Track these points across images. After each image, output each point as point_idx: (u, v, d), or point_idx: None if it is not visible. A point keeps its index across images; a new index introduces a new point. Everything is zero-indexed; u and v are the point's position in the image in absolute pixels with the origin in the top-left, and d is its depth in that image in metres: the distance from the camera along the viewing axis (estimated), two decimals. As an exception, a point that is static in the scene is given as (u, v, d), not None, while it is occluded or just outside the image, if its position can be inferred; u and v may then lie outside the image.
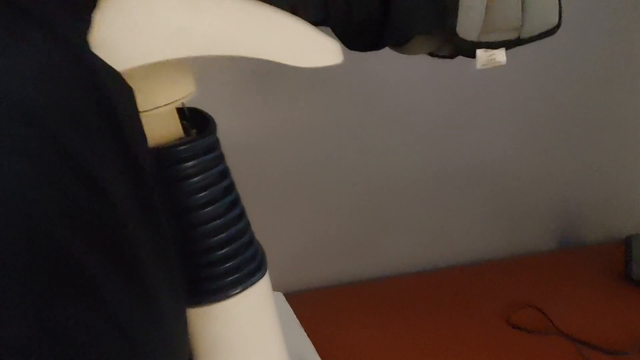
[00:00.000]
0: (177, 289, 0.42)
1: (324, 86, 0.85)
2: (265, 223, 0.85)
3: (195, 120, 0.51)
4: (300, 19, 0.40)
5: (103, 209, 0.33)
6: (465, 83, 0.90)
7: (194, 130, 0.50)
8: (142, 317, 0.37)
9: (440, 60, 0.55)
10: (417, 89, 0.88)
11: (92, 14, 0.31)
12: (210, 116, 0.53)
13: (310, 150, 0.88)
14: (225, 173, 0.50)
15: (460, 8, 0.44)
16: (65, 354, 0.32)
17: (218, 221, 0.49)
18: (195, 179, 0.47)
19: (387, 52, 0.53)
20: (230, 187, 0.50)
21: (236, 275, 0.50)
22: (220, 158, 0.50)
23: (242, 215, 0.51)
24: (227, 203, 0.50)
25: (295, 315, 0.84)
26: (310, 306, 0.86)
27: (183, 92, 0.45)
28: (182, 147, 0.46)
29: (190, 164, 0.47)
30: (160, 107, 0.45)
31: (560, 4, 0.48)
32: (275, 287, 0.89)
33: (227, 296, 0.50)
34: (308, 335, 0.79)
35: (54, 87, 0.30)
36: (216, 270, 0.49)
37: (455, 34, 0.45)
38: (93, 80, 0.31)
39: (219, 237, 0.49)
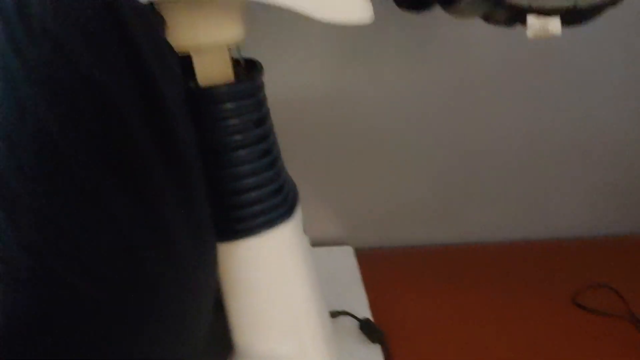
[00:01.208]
0: (200, 226, 0.45)
1: (416, 47, 0.82)
2: (351, 179, 0.88)
3: (250, 69, 0.53)
4: None
5: (112, 125, 0.35)
6: (565, 43, 0.81)
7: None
8: (153, 245, 0.39)
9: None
10: (514, 49, 0.82)
11: None
12: (259, 63, 0.55)
13: (401, 110, 0.86)
14: (261, 120, 0.52)
15: None
16: (74, 258, 0.35)
17: (247, 166, 0.51)
18: (230, 121, 0.50)
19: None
20: (265, 135, 0.52)
21: (261, 218, 0.52)
22: (258, 105, 0.51)
23: (273, 163, 0.53)
24: (260, 150, 0.51)
25: (358, 271, 0.85)
26: (380, 264, 0.87)
27: (233, 35, 0.47)
28: (219, 89, 0.49)
29: (225, 106, 0.49)
30: (209, 45, 0.47)
31: None
32: (350, 242, 0.91)
33: (250, 235, 0.53)
34: (367, 292, 0.80)
35: (72, 11, 0.33)
36: (242, 212, 0.52)
37: None
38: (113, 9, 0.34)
39: (246, 180, 0.51)
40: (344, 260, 0.89)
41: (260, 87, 0.52)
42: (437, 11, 0.57)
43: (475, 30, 0.80)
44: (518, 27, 0.49)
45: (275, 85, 0.58)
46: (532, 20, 0.41)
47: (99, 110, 0.35)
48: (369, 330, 0.67)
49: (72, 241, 0.35)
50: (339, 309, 0.73)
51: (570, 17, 0.42)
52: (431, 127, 0.87)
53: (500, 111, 0.86)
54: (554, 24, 0.42)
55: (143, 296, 0.38)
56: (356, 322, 0.69)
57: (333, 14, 0.41)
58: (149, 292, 0.38)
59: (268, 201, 0.53)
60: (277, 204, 0.54)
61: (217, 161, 0.51)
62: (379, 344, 0.66)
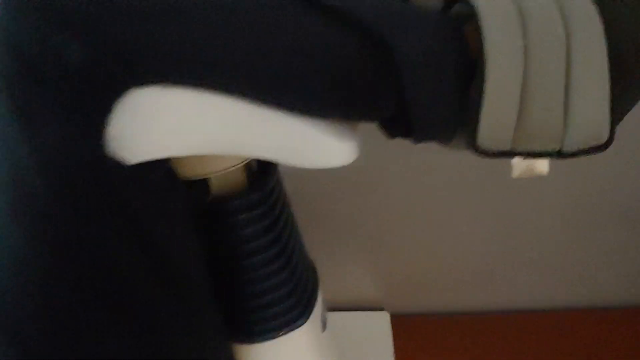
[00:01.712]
0: (201, 332, 0.47)
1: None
2: (390, 243, 0.87)
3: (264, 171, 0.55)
4: (311, 119, 0.39)
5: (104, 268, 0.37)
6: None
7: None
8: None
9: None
10: None
11: (107, 117, 0.35)
12: (272, 167, 0.56)
13: (441, 175, 0.85)
14: (272, 225, 0.53)
15: (482, 114, 0.37)
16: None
17: (259, 271, 0.52)
18: (241, 232, 0.51)
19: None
20: (276, 239, 0.53)
21: (274, 322, 0.53)
22: (269, 211, 0.52)
23: (285, 265, 0.54)
24: (271, 255, 0.52)
25: (391, 338, 0.84)
26: (415, 331, 0.86)
27: (235, 161, 0.49)
28: (229, 204, 0.50)
29: (235, 218, 0.51)
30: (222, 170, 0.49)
31: (612, 117, 0.38)
32: (387, 306, 0.91)
33: (265, 339, 0.54)
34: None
35: (61, 179, 0.35)
36: (257, 316, 0.53)
37: (476, 146, 0.37)
38: (99, 169, 0.36)
39: (260, 285, 0.52)
40: (378, 326, 0.88)
41: (271, 192, 0.53)
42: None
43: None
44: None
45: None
46: (516, 161, 0.40)
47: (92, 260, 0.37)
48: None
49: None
50: None
51: (555, 158, 0.40)
52: (473, 192, 0.85)
53: (552, 178, 0.83)
54: (541, 165, 0.40)
55: None
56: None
57: (314, 162, 0.41)
58: None
59: (282, 304, 0.54)
60: (292, 306, 0.54)
61: (231, 268, 0.53)
62: None
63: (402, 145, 0.80)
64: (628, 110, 0.40)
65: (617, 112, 0.38)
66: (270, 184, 0.54)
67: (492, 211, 0.85)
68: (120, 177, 0.36)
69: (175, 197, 0.43)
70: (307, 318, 0.55)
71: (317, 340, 0.57)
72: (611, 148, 0.75)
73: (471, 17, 0.37)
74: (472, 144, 0.37)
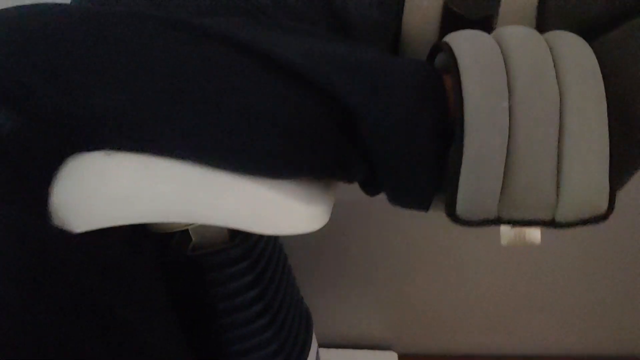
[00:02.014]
0: None
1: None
2: (398, 283, 0.83)
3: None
4: (271, 181, 0.36)
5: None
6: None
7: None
8: None
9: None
10: None
11: (48, 189, 0.33)
12: None
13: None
14: (255, 282, 0.50)
15: (460, 183, 0.33)
16: None
17: (242, 329, 0.49)
18: (221, 288, 0.48)
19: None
20: (260, 296, 0.50)
21: (259, 383, 0.50)
22: (252, 265, 0.50)
23: (271, 323, 0.51)
24: (254, 312, 0.50)
25: None
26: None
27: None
28: (209, 258, 0.48)
29: (214, 274, 0.48)
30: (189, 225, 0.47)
31: (612, 184, 0.33)
32: (395, 347, 0.87)
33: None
34: None
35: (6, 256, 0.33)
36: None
37: (455, 216, 0.33)
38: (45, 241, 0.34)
39: (243, 344, 0.49)
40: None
41: (255, 245, 0.51)
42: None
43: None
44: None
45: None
46: (505, 229, 0.36)
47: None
48: None
49: None
50: None
51: (550, 227, 0.36)
52: (485, 235, 0.81)
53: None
54: (533, 234, 0.36)
55: None
56: None
57: (278, 229, 0.38)
58: None
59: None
60: (277, 364, 0.51)
61: (213, 324, 0.50)
62: None
63: None
64: (633, 174, 0.36)
65: (619, 177, 0.34)
66: (253, 236, 0.51)
67: (504, 254, 0.81)
68: (68, 249, 0.34)
69: (135, 262, 0.40)
70: (295, 377, 0.52)
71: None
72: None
73: (453, 67, 0.34)
74: (451, 214, 0.34)
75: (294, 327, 0.55)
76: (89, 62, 0.31)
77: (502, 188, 0.33)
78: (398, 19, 0.42)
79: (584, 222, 0.34)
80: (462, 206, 0.33)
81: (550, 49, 0.35)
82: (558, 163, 0.33)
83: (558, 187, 0.33)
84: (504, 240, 0.36)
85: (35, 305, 0.34)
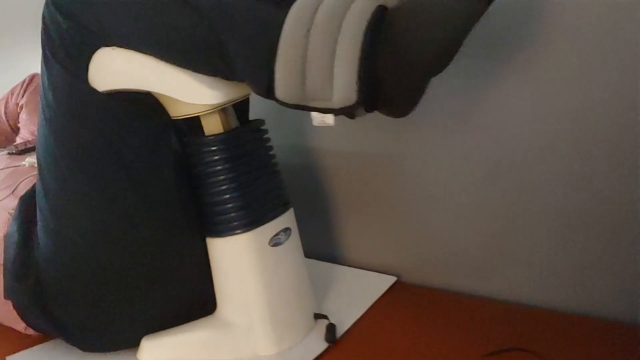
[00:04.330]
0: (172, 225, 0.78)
1: (460, 115, 0.96)
2: (406, 224, 1.02)
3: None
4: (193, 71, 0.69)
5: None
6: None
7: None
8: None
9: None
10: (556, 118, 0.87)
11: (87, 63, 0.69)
12: (254, 122, 0.84)
13: (447, 168, 0.99)
14: (230, 160, 0.79)
15: (276, 79, 0.59)
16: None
17: (217, 188, 0.80)
18: (208, 157, 0.79)
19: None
20: (233, 169, 0.79)
21: (222, 226, 0.81)
22: (229, 150, 0.79)
23: (235, 189, 0.79)
24: (227, 179, 0.79)
25: (378, 296, 1.01)
26: (404, 298, 1.01)
27: (200, 108, 0.77)
28: (203, 137, 0.79)
29: (205, 148, 0.79)
30: (191, 114, 0.78)
31: (361, 83, 0.55)
32: (401, 275, 1.06)
33: (216, 236, 0.81)
34: (368, 312, 0.95)
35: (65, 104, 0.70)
36: (214, 219, 0.81)
37: (273, 94, 0.60)
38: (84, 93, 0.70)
39: (216, 198, 0.80)
40: (376, 285, 1.05)
41: (236, 139, 0.80)
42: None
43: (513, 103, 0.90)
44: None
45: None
46: (314, 114, 0.61)
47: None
48: (329, 331, 0.87)
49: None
50: (339, 319, 0.92)
51: (330, 113, 0.60)
52: (482, 183, 0.97)
53: (554, 178, 0.90)
54: (329, 118, 0.60)
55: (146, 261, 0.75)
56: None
57: (193, 98, 0.70)
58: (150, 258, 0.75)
59: (229, 215, 0.80)
60: (239, 218, 0.80)
61: (203, 183, 0.81)
62: (328, 342, 0.85)
63: (417, 139, 0.97)
64: (404, 84, 0.58)
65: (386, 85, 0.57)
66: (233, 133, 0.80)
67: (491, 203, 0.95)
68: (97, 100, 0.69)
69: (141, 124, 0.74)
70: (249, 230, 0.80)
71: (260, 251, 0.82)
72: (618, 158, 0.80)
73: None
74: (272, 94, 0.61)
75: (261, 202, 0.83)
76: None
77: (302, 85, 0.59)
78: None
79: (345, 110, 0.57)
80: (279, 90, 0.60)
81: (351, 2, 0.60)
82: (330, 68, 0.58)
83: (331, 84, 0.58)
84: (314, 122, 0.62)
85: (78, 129, 0.69)
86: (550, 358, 0.80)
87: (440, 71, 0.60)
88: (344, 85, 0.57)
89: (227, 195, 0.80)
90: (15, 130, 1.42)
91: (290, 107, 0.62)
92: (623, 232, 0.87)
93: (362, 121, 1.02)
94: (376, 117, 0.94)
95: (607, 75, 0.81)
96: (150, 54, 0.68)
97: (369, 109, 0.60)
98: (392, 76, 0.57)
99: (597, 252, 0.90)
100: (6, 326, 0.95)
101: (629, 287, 0.89)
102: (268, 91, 0.63)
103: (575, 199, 0.90)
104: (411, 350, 0.85)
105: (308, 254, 1.02)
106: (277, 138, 1.08)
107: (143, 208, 0.76)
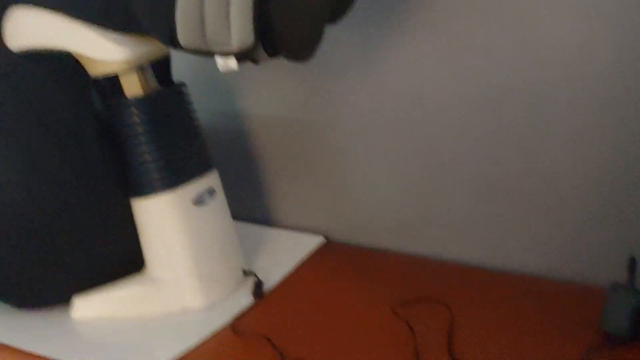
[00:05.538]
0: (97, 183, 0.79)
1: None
2: (332, 180, 1.06)
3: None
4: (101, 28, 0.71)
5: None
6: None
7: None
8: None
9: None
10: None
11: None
12: (175, 86, 0.86)
13: (358, 119, 1.03)
14: (149, 122, 0.81)
15: (178, 27, 0.61)
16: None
17: (138, 148, 0.82)
18: (128, 118, 0.81)
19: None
20: (152, 131, 0.81)
21: (144, 187, 0.83)
22: (149, 113, 0.81)
23: (155, 150, 0.81)
24: (146, 139, 0.81)
25: (304, 255, 1.05)
26: (330, 257, 1.05)
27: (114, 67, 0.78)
28: (123, 99, 0.80)
29: (125, 109, 0.81)
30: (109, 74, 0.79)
31: (255, 25, 0.58)
32: (328, 234, 1.10)
33: (139, 196, 0.83)
34: (294, 271, 0.99)
35: None
36: (136, 180, 0.83)
37: (176, 42, 0.63)
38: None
39: (136, 159, 0.82)
40: (304, 244, 1.09)
41: (154, 102, 0.82)
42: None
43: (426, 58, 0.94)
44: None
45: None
46: (218, 59, 0.64)
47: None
48: (256, 287, 0.91)
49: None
50: (266, 276, 0.96)
51: (233, 57, 0.63)
52: (394, 148, 1.02)
53: (496, 137, 0.96)
54: (232, 62, 0.64)
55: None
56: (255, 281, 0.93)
57: (101, 55, 0.72)
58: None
59: (151, 175, 0.82)
60: (159, 178, 0.82)
61: (126, 143, 0.83)
62: (255, 298, 0.89)
63: (335, 97, 1.00)
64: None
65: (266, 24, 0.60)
66: (153, 95, 0.82)
67: (414, 165, 1.00)
68: (14, 60, 0.70)
69: (61, 84, 0.75)
70: (171, 189, 0.83)
71: (183, 210, 0.84)
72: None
73: None
74: (175, 40, 0.64)
75: (182, 164, 0.85)
76: None
77: (202, 30, 0.62)
78: None
79: (242, 52, 0.61)
80: (181, 38, 0.63)
81: None
82: (227, 14, 0.61)
83: (229, 30, 0.61)
84: (219, 68, 0.65)
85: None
86: (456, 307, 0.86)
87: (335, 19, 0.63)
88: (240, 27, 0.60)
89: (148, 156, 0.82)
90: None
91: (194, 54, 0.65)
92: (534, 193, 0.93)
93: (288, 86, 1.06)
94: (302, 82, 0.97)
95: (508, 34, 0.86)
96: (57, 12, 0.69)
97: (270, 52, 0.64)
98: (282, 19, 0.61)
99: (511, 211, 0.96)
100: None
101: (538, 243, 0.95)
102: (171, 40, 0.65)
103: (491, 161, 0.95)
104: (332, 304, 0.90)
105: (238, 217, 1.05)
106: (206, 103, 1.11)
107: (67, 168, 0.77)
